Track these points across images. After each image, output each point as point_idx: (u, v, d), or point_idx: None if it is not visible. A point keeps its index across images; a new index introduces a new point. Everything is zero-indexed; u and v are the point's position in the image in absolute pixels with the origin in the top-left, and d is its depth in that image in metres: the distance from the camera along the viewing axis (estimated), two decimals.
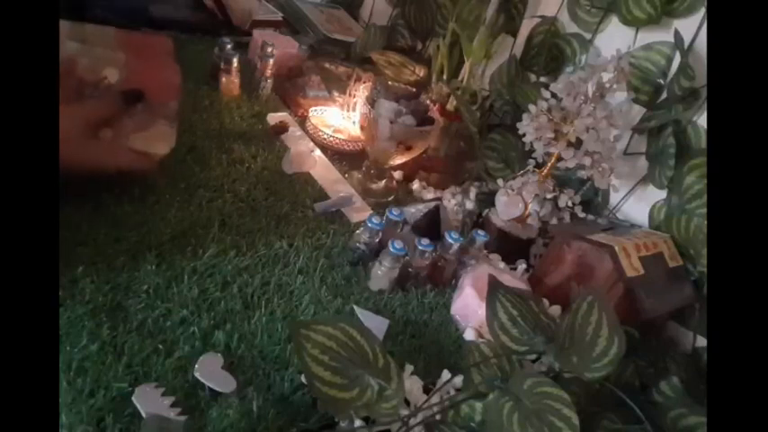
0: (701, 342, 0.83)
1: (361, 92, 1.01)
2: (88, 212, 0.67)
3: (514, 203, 0.89)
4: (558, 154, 0.86)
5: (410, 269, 0.75)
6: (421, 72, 1.15)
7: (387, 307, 0.72)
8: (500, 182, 0.93)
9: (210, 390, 0.54)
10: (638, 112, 0.94)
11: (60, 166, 0.43)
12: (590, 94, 0.83)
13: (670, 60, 0.90)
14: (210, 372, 0.55)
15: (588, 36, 1.02)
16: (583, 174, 0.86)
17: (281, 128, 0.97)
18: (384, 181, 0.96)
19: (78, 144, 0.62)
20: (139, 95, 0.70)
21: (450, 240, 0.76)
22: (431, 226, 0.83)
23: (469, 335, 0.72)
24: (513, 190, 0.90)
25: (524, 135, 0.87)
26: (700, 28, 0.86)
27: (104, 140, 0.66)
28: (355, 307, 0.70)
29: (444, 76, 1.08)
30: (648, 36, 0.92)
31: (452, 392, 0.62)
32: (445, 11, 1.14)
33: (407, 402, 0.59)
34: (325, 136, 1.00)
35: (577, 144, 0.85)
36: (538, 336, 0.59)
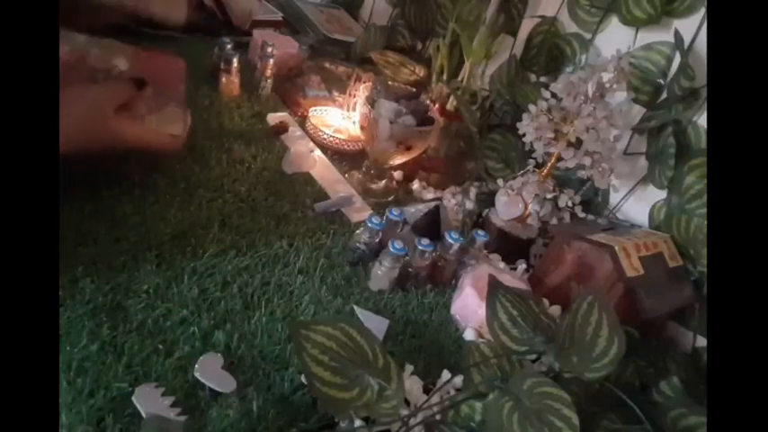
0: (701, 342, 0.83)
1: (361, 92, 1.01)
2: (88, 212, 0.67)
3: (514, 203, 0.89)
4: (558, 154, 0.86)
5: (410, 269, 0.75)
6: (421, 72, 1.15)
7: (387, 307, 0.72)
8: (500, 182, 0.93)
9: (210, 390, 0.54)
10: (638, 112, 0.94)
11: (86, 143, 0.41)
12: (590, 94, 0.83)
13: (670, 60, 0.90)
14: (210, 372, 0.55)
15: (588, 36, 1.02)
16: (583, 174, 0.86)
17: (281, 128, 0.97)
18: (384, 181, 0.96)
19: (102, 120, 0.66)
20: (146, 82, 0.73)
21: (450, 240, 0.76)
22: (431, 226, 0.83)
23: (469, 335, 0.72)
24: (513, 190, 0.90)
25: (524, 135, 0.87)
26: (700, 28, 0.86)
27: (125, 117, 0.69)
28: (355, 307, 0.70)
29: (444, 76, 1.08)
30: (648, 36, 0.92)
31: (452, 392, 0.62)
32: (445, 11, 1.14)
33: (407, 402, 0.59)
34: (325, 136, 1.00)
35: (577, 144, 0.85)
36: (538, 336, 0.59)
